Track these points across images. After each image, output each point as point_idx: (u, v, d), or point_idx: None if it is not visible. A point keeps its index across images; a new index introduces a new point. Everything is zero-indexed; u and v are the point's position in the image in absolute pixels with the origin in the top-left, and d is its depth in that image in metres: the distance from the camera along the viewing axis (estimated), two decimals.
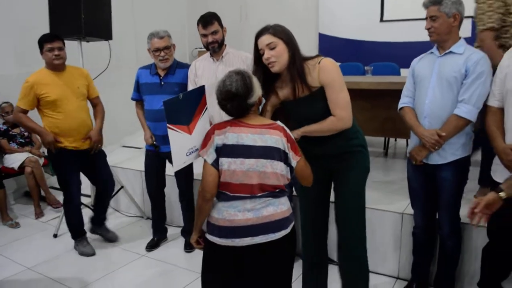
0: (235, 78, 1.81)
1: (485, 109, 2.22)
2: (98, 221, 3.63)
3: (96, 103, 3.48)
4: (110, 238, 3.57)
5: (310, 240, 2.43)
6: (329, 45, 6.46)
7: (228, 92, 1.79)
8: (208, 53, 3.13)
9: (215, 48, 3.02)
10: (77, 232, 3.49)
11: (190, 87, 3.11)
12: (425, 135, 2.28)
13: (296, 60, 2.02)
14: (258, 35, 2.03)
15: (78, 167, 3.38)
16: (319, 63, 2.04)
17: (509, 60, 2.12)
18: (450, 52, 2.28)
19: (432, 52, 2.39)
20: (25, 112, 3.22)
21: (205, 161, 1.83)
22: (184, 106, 1.92)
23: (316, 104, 2.07)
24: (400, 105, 2.50)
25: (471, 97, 2.19)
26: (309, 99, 2.07)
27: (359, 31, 6.20)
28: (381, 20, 6.03)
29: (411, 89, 2.45)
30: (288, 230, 1.87)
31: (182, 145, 1.93)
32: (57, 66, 3.21)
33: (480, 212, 1.75)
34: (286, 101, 2.13)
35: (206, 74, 3.08)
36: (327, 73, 2.04)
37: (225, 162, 1.79)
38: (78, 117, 3.24)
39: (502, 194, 1.70)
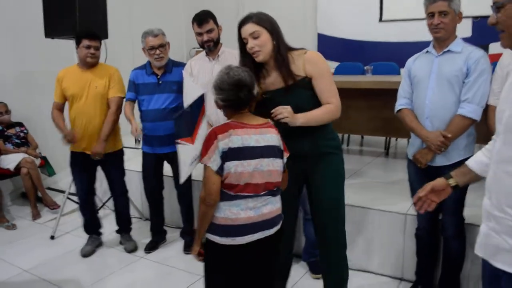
0: (240, 70, 1.81)
1: (485, 108, 2.19)
2: (119, 227, 3.59)
3: (110, 105, 3.25)
4: (125, 247, 3.48)
5: None
6: (328, 45, 6.42)
7: (239, 80, 1.78)
8: (203, 52, 3.08)
9: (211, 46, 2.97)
10: (85, 229, 3.51)
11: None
12: (430, 137, 2.23)
13: (281, 49, 2.00)
14: (241, 24, 2.00)
15: (87, 169, 3.35)
16: (305, 53, 2.04)
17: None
18: (449, 50, 2.24)
19: (428, 51, 2.35)
20: (58, 106, 3.30)
21: (207, 167, 1.75)
22: (189, 117, 1.91)
23: (300, 93, 2.04)
24: (397, 107, 2.45)
25: (474, 96, 2.16)
26: (294, 88, 2.03)
27: (358, 31, 6.17)
28: (380, 20, 6.00)
29: (408, 89, 2.41)
30: (279, 226, 1.90)
31: (188, 156, 1.92)
32: (88, 63, 3.20)
33: (425, 196, 1.67)
34: (269, 92, 2.08)
35: (202, 73, 3.03)
36: (317, 63, 2.03)
37: (232, 165, 1.75)
38: (87, 114, 3.18)
39: (451, 181, 1.63)
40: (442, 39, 2.24)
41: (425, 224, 2.49)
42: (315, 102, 2.05)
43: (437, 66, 2.25)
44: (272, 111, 1.90)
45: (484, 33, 5.11)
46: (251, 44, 1.97)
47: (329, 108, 2.03)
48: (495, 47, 4.94)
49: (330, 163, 2.16)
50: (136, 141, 3.27)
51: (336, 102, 2.05)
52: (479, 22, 5.14)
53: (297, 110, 1.97)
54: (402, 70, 4.94)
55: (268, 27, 1.98)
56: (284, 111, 1.91)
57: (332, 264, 2.28)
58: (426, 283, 2.64)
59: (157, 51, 3.11)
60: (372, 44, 6.06)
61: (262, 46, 1.97)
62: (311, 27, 6.50)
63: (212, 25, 2.94)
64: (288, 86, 2.02)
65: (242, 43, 2.03)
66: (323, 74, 2.03)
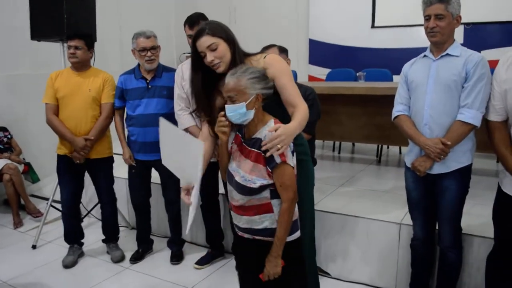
0: None
1: (486, 125, 2.12)
2: (106, 236, 3.46)
3: (101, 110, 3.18)
4: (112, 257, 3.35)
5: None
6: (320, 51, 6.40)
7: None
8: None
9: None
10: (65, 239, 3.38)
11: (177, 91, 2.97)
12: (429, 144, 2.16)
13: (237, 57, 1.90)
14: (196, 38, 1.89)
15: (74, 174, 3.24)
16: (264, 57, 1.94)
17: (506, 73, 2.00)
18: (447, 54, 2.18)
19: (425, 56, 2.28)
20: (53, 109, 3.12)
21: (287, 166, 1.72)
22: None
23: None
24: (395, 114, 2.37)
25: (474, 101, 2.09)
26: None
27: (350, 37, 6.16)
28: (373, 26, 5.98)
29: (405, 95, 2.34)
30: None
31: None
32: (73, 64, 3.15)
33: None
34: None
35: None
36: (276, 63, 1.93)
37: (293, 159, 1.78)
38: (77, 118, 3.09)
39: None
40: (438, 43, 2.18)
41: (422, 234, 2.40)
42: (277, 105, 1.95)
43: (435, 71, 2.19)
44: (263, 148, 1.70)
45: (476, 39, 5.11)
46: (210, 57, 1.87)
47: (304, 111, 1.91)
48: (487, 54, 4.91)
49: (301, 171, 1.98)
50: (131, 168, 3.22)
51: (303, 103, 1.94)
52: (471, 28, 5.14)
53: None
54: (395, 77, 4.97)
55: (224, 37, 1.89)
56: (277, 142, 1.68)
57: None
58: None
59: (148, 53, 3.03)
60: (364, 50, 6.04)
61: (222, 57, 1.88)
62: (302, 33, 6.47)
63: None
64: None
65: (197, 57, 1.92)
66: (284, 72, 1.94)
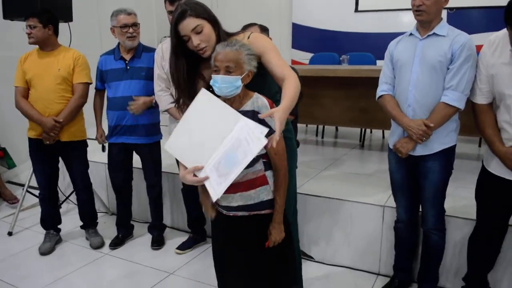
0: None
1: (472, 107, 2.10)
2: (83, 222, 3.38)
3: (74, 90, 3.05)
4: (91, 243, 3.27)
5: None
6: (303, 35, 6.35)
7: None
8: None
9: None
10: (42, 224, 3.29)
11: (157, 71, 2.88)
12: (412, 126, 2.13)
13: (222, 39, 1.80)
14: (178, 21, 1.76)
15: (47, 158, 3.14)
16: (248, 37, 1.85)
17: (493, 58, 1.98)
18: (434, 34, 2.14)
19: (411, 34, 2.23)
20: (23, 92, 3.02)
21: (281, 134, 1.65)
22: None
23: None
24: (379, 93, 2.33)
25: (459, 83, 2.06)
26: None
27: (333, 21, 6.12)
28: (356, 10, 5.93)
29: (390, 75, 2.29)
30: None
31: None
32: (37, 45, 3.03)
33: None
34: None
35: None
36: (260, 40, 1.85)
37: None
38: (46, 99, 2.97)
39: None
40: (424, 22, 2.14)
41: (405, 217, 2.39)
42: (263, 82, 1.86)
43: (421, 50, 2.15)
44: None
45: (459, 25, 5.07)
46: (195, 40, 1.75)
47: (294, 81, 1.78)
48: None
49: (286, 149, 1.85)
50: (103, 147, 3.19)
51: (291, 72, 1.81)
52: (454, 13, 5.12)
53: None
54: (378, 62, 4.94)
55: (207, 17, 1.78)
56: (277, 135, 1.56)
57: None
58: (404, 277, 2.55)
59: (130, 30, 2.94)
60: (347, 34, 6.01)
61: (208, 40, 1.76)
62: (286, 17, 6.39)
63: None
64: None
65: (178, 42, 1.80)
66: (270, 48, 1.84)
